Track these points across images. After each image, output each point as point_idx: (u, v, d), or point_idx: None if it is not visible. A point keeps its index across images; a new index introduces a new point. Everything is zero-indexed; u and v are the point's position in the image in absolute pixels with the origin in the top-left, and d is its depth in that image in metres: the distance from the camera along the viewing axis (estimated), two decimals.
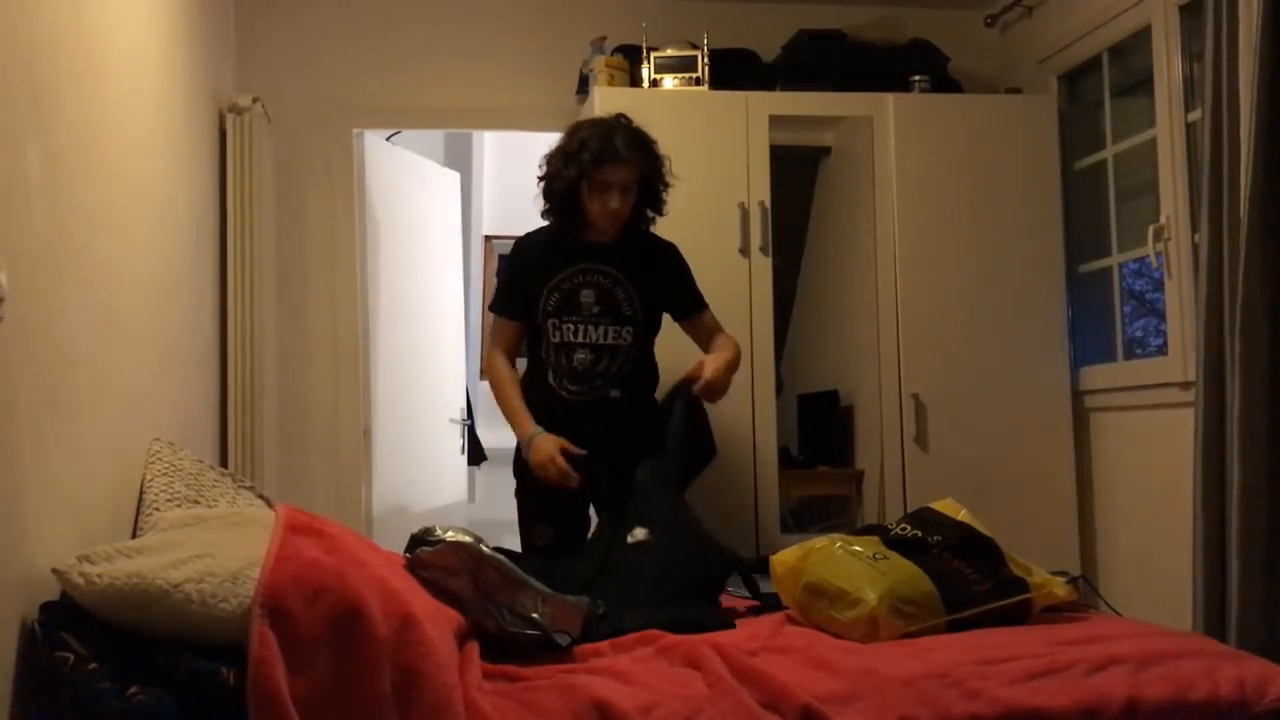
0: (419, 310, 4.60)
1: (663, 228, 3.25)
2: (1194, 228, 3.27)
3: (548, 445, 2.90)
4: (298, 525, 1.89)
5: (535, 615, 2.13)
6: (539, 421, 2.96)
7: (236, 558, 1.72)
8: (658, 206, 3.05)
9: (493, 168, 5.73)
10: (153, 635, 1.60)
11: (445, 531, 2.17)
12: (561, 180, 2.92)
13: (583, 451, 2.90)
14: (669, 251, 3.12)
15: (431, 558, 2.12)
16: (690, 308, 3.12)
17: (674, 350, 3.17)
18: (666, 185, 3.03)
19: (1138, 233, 3.58)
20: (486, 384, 5.35)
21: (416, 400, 4.49)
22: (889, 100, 3.81)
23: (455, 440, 4.92)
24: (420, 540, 2.18)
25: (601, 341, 2.97)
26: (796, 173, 4.15)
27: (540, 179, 3.01)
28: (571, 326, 2.97)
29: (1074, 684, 1.87)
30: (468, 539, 2.16)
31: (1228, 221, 2.92)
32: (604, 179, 2.88)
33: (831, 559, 2.31)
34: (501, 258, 4.82)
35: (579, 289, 2.98)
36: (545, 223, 3.09)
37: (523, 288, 3.04)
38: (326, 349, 4.03)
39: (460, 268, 5.08)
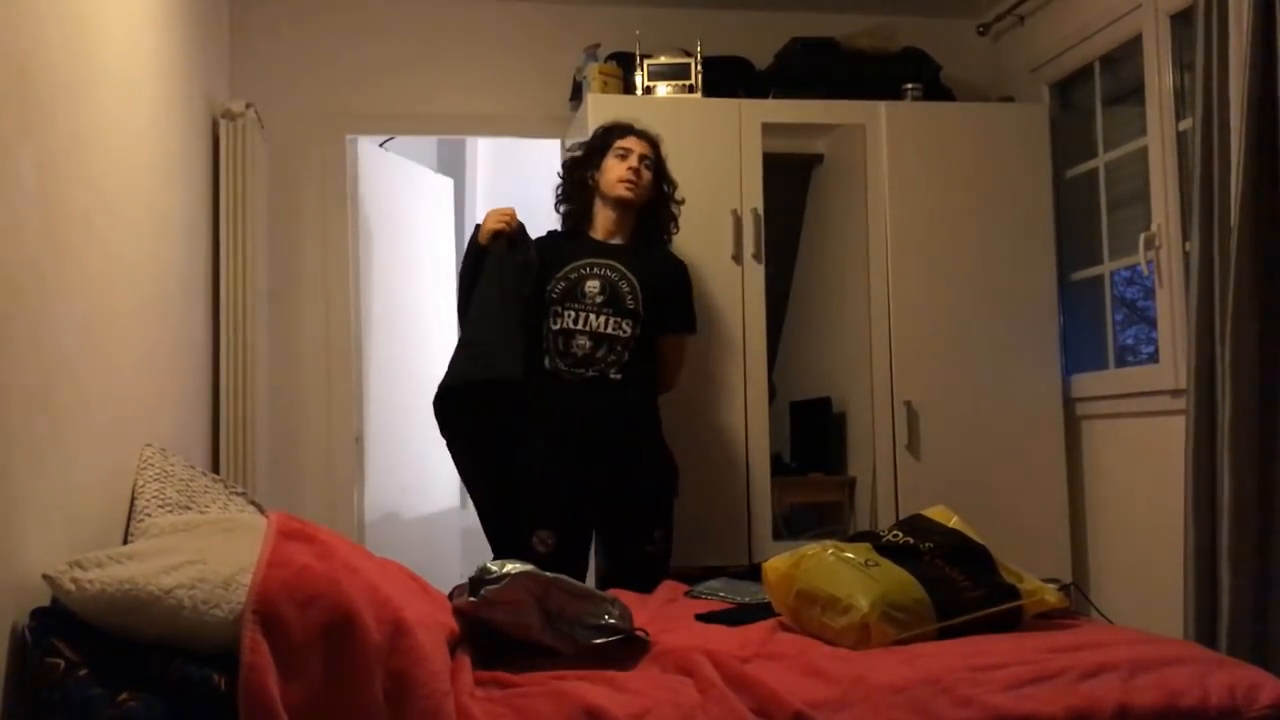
0: (412, 316, 4.60)
1: None
2: (1185, 236, 3.28)
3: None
4: (290, 531, 1.89)
5: (610, 620, 2.13)
6: (538, 404, 3.08)
7: (228, 564, 1.72)
8: (667, 214, 3.26)
9: (486, 174, 5.73)
10: (144, 641, 1.59)
11: (502, 566, 2.12)
12: (581, 162, 3.24)
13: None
14: (680, 267, 3.28)
15: (500, 594, 2.08)
16: (674, 324, 3.22)
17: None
18: (675, 197, 3.28)
19: (1129, 240, 3.59)
20: None
21: (409, 407, 4.48)
22: (881, 108, 3.82)
23: None
24: (481, 581, 2.12)
25: (602, 330, 3.07)
26: (789, 180, 4.16)
27: (561, 172, 3.33)
28: (573, 313, 3.08)
29: (1065, 691, 1.87)
30: (528, 566, 2.14)
31: (1218, 229, 2.92)
32: (624, 145, 3.20)
33: (824, 566, 2.31)
34: None
35: (584, 279, 3.11)
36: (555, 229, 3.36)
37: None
38: (319, 355, 4.02)
39: (453, 274, 5.07)
